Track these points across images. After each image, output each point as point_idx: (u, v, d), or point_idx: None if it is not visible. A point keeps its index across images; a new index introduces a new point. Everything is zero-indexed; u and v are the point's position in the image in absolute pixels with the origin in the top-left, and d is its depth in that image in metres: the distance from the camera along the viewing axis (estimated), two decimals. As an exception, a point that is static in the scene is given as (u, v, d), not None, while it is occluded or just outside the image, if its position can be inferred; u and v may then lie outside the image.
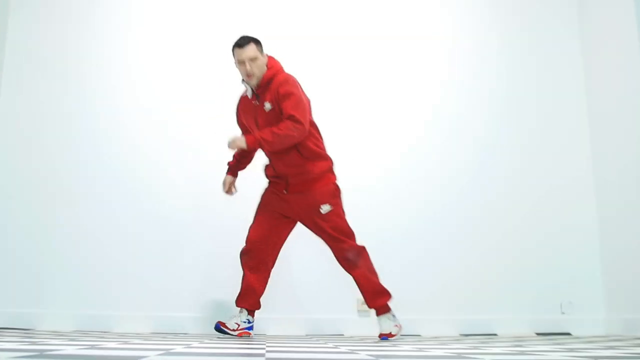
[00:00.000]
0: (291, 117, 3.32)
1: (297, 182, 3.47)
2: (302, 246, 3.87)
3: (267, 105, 3.41)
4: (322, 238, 3.51)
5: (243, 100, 3.61)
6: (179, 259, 4.16)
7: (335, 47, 4.56)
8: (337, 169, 4.03)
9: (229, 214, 4.11)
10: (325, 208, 3.44)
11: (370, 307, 3.54)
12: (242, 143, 3.36)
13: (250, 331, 3.48)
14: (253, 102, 3.49)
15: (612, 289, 4.29)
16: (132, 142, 4.35)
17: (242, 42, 3.40)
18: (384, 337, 3.41)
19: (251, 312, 3.50)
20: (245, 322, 3.46)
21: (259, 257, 3.47)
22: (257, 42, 3.45)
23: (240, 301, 3.48)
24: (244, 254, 3.49)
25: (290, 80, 3.44)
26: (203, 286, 4.11)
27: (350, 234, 3.49)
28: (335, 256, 3.51)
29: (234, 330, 3.43)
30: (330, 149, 4.27)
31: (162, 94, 4.42)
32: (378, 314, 3.51)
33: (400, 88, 4.56)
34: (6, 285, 4.11)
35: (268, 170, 3.60)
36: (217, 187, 3.65)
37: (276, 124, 3.35)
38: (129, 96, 4.41)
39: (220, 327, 3.42)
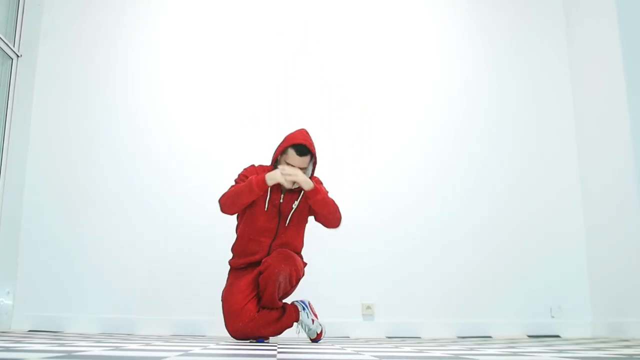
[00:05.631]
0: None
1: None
2: (310, 254, 3.86)
3: (296, 204, 3.18)
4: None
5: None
6: (196, 266, 4.16)
7: (338, 63, 4.59)
8: (343, 183, 4.05)
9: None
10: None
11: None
12: (304, 182, 3.05)
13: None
14: (277, 199, 3.17)
15: (598, 294, 4.28)
16: (151, 159, 4.37)
17: (303, 150, 3.09)
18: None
19: None
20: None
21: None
22: (313, 152, 3.14)
23: None
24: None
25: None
26: (219, 291, 4.11)
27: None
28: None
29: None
30: (337, 165, 4.30)
31: (181, 114, 4.45)
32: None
33: (401, 109, 4.57)
34: (37, 291, 4.13)
35: (249, 247, 3.18)
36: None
37: (299, 225, 3.21)
38: (151, 118, 4.44)
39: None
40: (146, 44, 4.59)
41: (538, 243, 4.42)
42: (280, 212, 3.18)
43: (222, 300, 3.19)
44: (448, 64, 4.70)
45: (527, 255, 4.39)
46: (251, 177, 3.13)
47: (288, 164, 3.11)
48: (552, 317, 4.29)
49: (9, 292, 4.09)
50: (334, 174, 4.26)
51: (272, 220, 3.17)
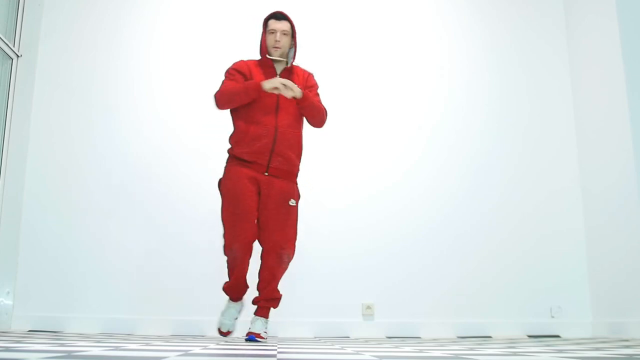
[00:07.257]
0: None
1: (279, 167, 3.21)
2: (310, 254, 3.87)
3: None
4: (268, 231, 3.21)
5: (259, 68, 3.32)
6: (197, 266, 4.15)
7: (337, 63, 4.58)
8: (343, 183, 4.05)
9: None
10: (292, 202, 3.22)
11: (260, 304, 3.25)
12: (298, 92, 3.13)
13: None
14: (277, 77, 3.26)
15: (598, 294, 4.28)
16: (152, 159, 4.37)
17: (280, 15, 3.31)
18: (252, 335, 3.10)
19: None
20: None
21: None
22: (293, 25, 3.35)
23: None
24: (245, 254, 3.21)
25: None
26: (219, 291, 4.11)
27: (295, 237, 3.28)
28: (270, 250, 3.21)
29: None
30: (337, 165, 4.29)
31: (181, 114, 4.45)
32: (258, 313, 3.25)
33: (401, 110, 4.57)
34: (37, 291, 4.13)
35: (252, 145, 3.19)
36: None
37: (295, 110, 3.24)
38: (151, 117, 4.44)
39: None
40: (147, 43, 4.59)
41: (538, 243, 4.41)
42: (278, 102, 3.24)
43: (223, 194, 3.29)
44: (448, 64, 4.70)
45: (527, 255, 4.38)
46: (248, 82, 3.23)
47: (272, 32, 3.28)
48: (552, 317, 4.29)
49: (9, 292, 4.09)
50: (334, 174, 4.28)
51: (272, 105, 3.23)
